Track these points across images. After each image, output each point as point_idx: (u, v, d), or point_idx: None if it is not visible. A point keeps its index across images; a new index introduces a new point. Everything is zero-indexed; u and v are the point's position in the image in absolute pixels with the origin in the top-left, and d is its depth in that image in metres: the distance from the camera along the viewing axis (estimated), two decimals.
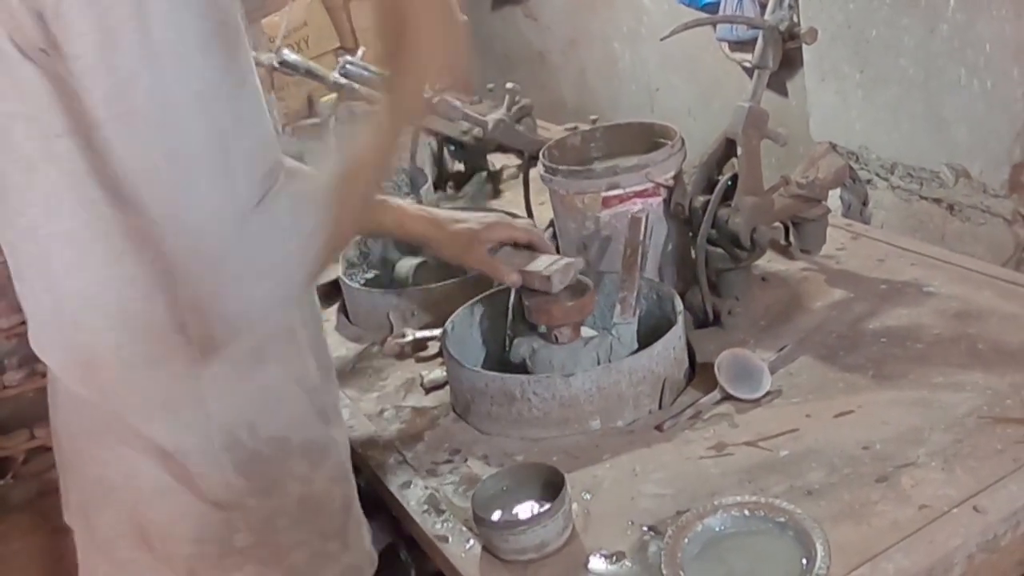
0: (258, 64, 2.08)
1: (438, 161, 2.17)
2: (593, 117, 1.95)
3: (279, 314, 0.93)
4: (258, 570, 1.05)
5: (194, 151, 0.83)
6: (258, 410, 1.02)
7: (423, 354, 1.53)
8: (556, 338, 1.32)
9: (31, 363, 3.01)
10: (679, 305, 1.34)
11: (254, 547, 1.04)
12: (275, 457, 1.03)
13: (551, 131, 2.11)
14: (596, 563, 1.04)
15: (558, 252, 1.55)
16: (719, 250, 1.43)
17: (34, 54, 0.85)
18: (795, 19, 1.43)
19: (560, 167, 1.48)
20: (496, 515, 1.09)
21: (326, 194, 0.93)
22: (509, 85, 1.99)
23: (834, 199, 2.12)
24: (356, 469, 1.22)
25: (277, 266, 0.88)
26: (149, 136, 0.82)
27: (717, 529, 1.00)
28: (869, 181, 2.11)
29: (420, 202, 1.72)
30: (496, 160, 2.19)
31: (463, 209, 1.57)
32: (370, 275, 1.81)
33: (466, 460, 1.26)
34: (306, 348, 1.07)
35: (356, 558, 1.13)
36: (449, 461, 1.26)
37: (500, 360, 1.40)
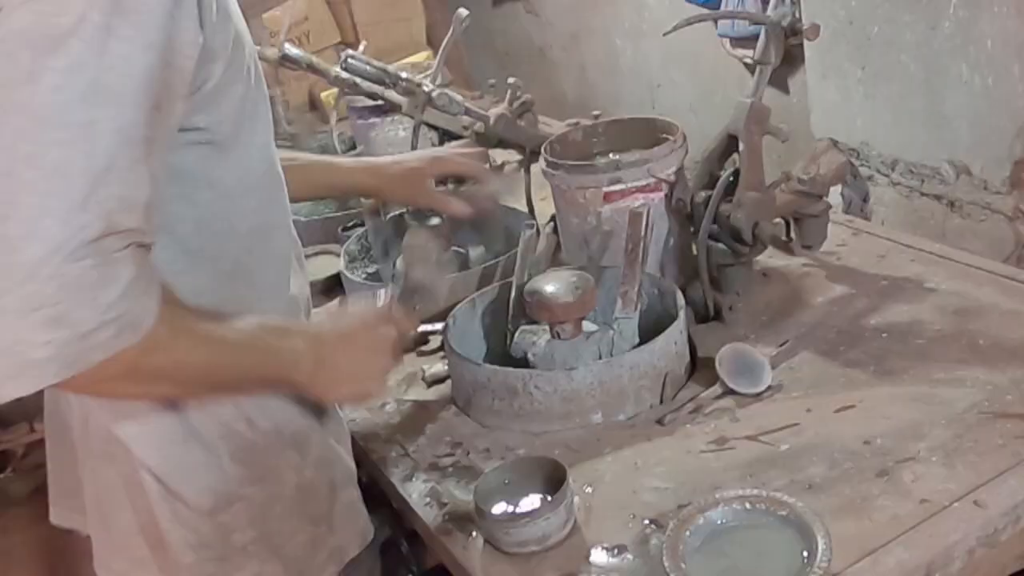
0: (261, 59, 2.09)
1: None
2: (595, 112, 1.95)
3: (48, 375, 0.80)
4: (258, 566, 1.07)
5: (54, 169, 0.78)
6: (253, 405, 1.03)
7: (425, 348, 1.53)
8: (558, 333, 1.32)
9: None
10: (680, 300, 1.34)
11: (254, 542, 1.05)
12: (271, 447, 1.05)
13: (552, 127, 2.11)
14: (598, 556, 1.04)
15: (558, 247, 1.56)
16: (720, 245, 1.44)
17: None
18: (797, 15, 1.44)
19: (562, 162, 1.48)
20: (498, 508, 1.09)
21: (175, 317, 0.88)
22: (511, 80, 1.99)
23: (835, 195, 2.11)
24: (356, 461, 1.23)
25: (75, 326, 0.79)
26: (14, 135, 0.78)
27: (718, 522, 1.00)
28: (870, 177, 2.11)
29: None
30: (497, 155, 2.19)
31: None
32: (371, 269, 1.81)
33: (468, 453, 1.26)
34: None
35: (341, 539, 1.14)
36: (451, 455, 1.27)
37: (502, 354, 1.41)
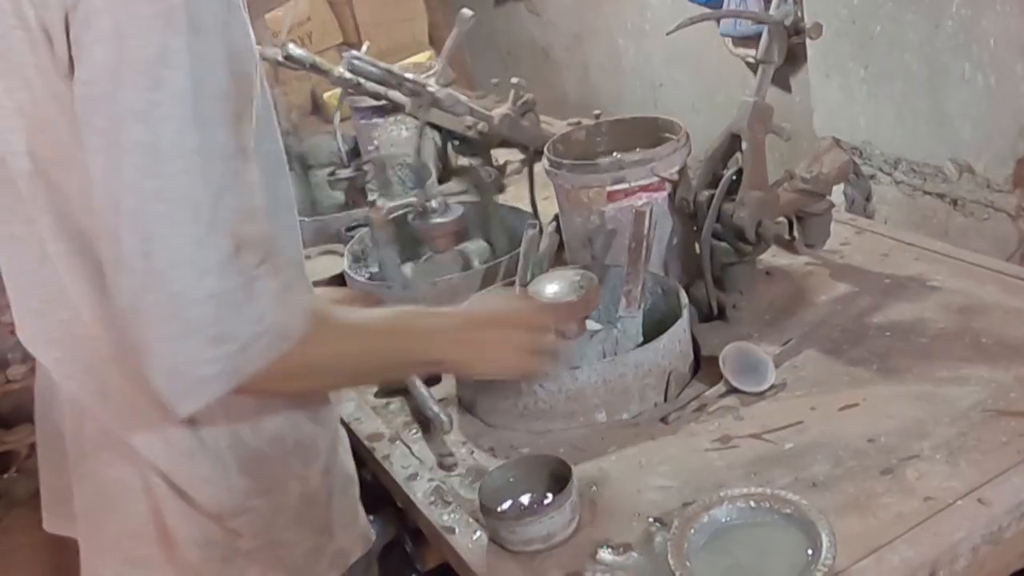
0: (263, 58, 2.09)
1: (442, 156, 2.18)
2: (597, 112, 1.95)
3: (217, 388, 0.86)
4: (261, 571, 1.06)
5: (181, 198, 0.83)
6: (259, 410, 1.03)
7: None
8: (563, 333, 1.32)
9: (34, 358, 3.01)
10: (684, 299, 1.35)
11: (258, 549, 1.05)
12: (275, 456, 1.05)
13: (554, 127, 2.11)
14: (603, 554, 1.04)
15: (562, 246, 1.56)
16: (724, 244, 1.44)
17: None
18: (800, 14, 1.43)
19: (565, 161, 1.48)
20: (503, 506, 1.09)
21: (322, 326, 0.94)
22: (514, 80, 1.99)
23: (838, 194, 2.12)
24: (360, 461, 1.23)
25: (235, 340, 0.85)
26: (137, 174, 0.82)
27: (723, 520, 1.00)
28: (873, 176, 2.11)
29: (427, 198, 1.72)
30: (500, 155, 2.19)
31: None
32: (374, 269, 1.81)
33: (472, 452, 1.26)
34: None
35: (343, 543, 1.13)
36: (455, 453, 1.27)
37: None
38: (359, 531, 1.16)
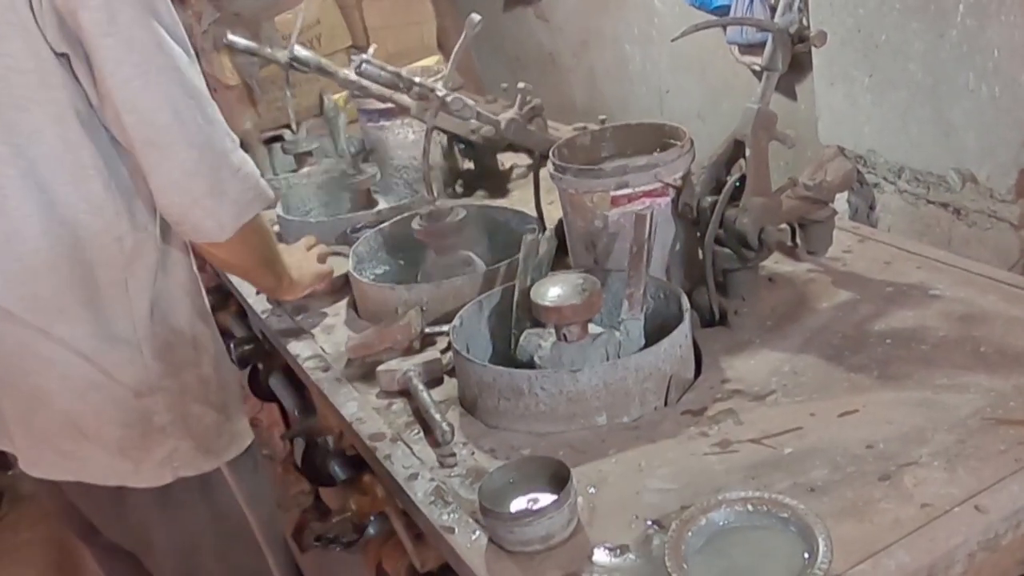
0: (272, 61, 2.10)
1: (448, 159, 2.19)
2: (602, 117, 1.96)
3: (255, 210, 1.29)
4: (175, 443, 1.34)
5: (200, 93, 1.23)
6: (166, 306, 1.32)
7: (431, 349, 1.54)
8: (564, 336, 1.33)
9: None
10: (686, 303, 1.35)
11: (171, 424, 1.33)
12: (178, 344, 1.34)
13: (561, 131, 2.12)
14: (600, 556, 1.05)
15: (562, 250, 1.57)
16: (726, 250, 1.45)
17: (54, 41, 1.17)
18: (804, 22, 1.44)
19: (570, 166, 1.49)
20: (503, 507, 1.10)
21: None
22: (521, 85, 2.00)
23: (841, 203, 2.12)
24: (361, 460, 1.24)
25: (255, 176, 1.28)
26: (172, 84, 1.20)
27: (720, 523, 1.01)
28: (876, 185, 2.11)
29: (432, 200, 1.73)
30: (506, 159, 2.21)
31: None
32: (379, 270, 1.83)
33: (473, 453, 1.27)
34: (190, 263, 1.40)
35: (236, 427, 1.44)
36: (456, 454, 1.28)
37: (507, 355, 1.42)
38: (243, 427, 1.46)
